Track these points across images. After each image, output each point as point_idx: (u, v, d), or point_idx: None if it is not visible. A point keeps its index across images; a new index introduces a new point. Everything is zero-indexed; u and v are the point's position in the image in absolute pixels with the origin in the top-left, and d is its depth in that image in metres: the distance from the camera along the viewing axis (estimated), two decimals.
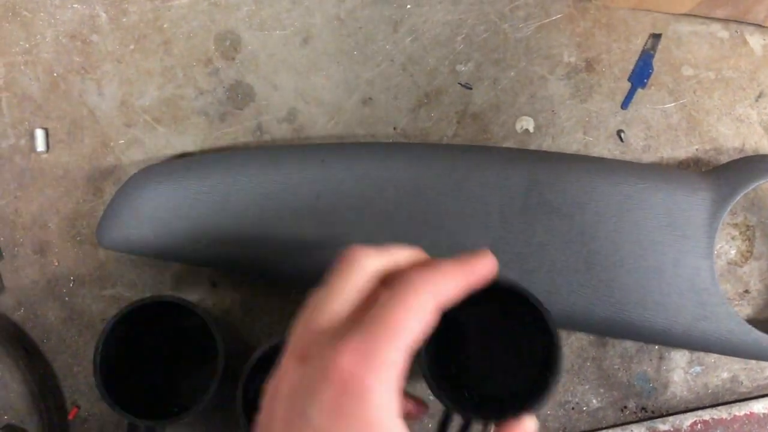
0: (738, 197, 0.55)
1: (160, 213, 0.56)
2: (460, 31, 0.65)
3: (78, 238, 0.61)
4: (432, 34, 0.65)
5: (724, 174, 0.58)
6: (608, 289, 0.54)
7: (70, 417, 0.58)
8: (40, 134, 0.62)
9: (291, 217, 0.56)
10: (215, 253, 0.56)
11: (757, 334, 0.54)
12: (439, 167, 0.56)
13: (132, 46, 0.64)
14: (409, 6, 0.65)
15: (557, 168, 0.56)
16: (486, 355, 0.53)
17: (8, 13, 0.64)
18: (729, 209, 0.55)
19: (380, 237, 0.55)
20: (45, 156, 0.63)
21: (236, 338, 0.59)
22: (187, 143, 0.63)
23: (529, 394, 0.45)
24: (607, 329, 0.56)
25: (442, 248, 0.55)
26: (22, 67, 0.64)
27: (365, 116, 0.64)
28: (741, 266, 0.62)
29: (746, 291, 0.61)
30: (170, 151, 0.63)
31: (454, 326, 0.54)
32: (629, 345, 0.60)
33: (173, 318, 0.57)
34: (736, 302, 0.61)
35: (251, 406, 0.47)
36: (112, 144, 0.63)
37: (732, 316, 0.54)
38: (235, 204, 0.56)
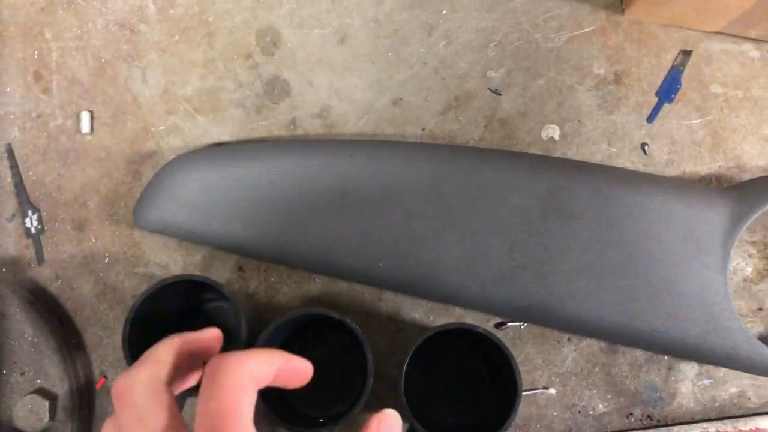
0: (756, 215, 0.56)
1: (194, 197, 0.59)
2: (493, 38, 0.67)
3: (115, 218, 0.64)
4: (465, 39, 0.67)
5: (743, 191, 0.58)
6: (621, 297, 0.55)
7: (97, 386, 0.61)
8: (85, 116, 0.65)
9: (318, 208, 0.58)
10: (244, 239, 0.58)
11: (765, 351, 0.54)
12: (463, 169, 0.58)
13: (177, 37, 0.67)
14: (444, 11, 0.67)
15: (578, 176, 0.58)
16: (459, 392, 0.60)
17: (63, 0, 0.68)
18: (746, 226, 0.56)
19: (402, 233, 0.57)
20: (89, 137, 0.66)
21: (260, 321, 0.61)
22: (224, 133, 0.66)
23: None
24: (618, 336, 0.57)
25: (462, 248, 0.57)
26: (73, 52, 0.67)
27: (395, 116, 0.66)
28: (756, 284, 0.63)
29: (760, 308, 0.62)
30: (207, 140, 0.65)
31: (432, 367, 0.58)
32: (639, 354, 0.61)
33: (201, 298, 0.59)
34: (749, 319, 0.62)
35: None
36: (152, 130, 0.66)
37: (742, 331, 0.55)
38: (265, 193, 0.58)
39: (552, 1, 0.68)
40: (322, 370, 0.59)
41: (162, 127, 0.66)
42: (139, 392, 0.33)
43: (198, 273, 0.63)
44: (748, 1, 0.60)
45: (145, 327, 0.53)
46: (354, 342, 0.52)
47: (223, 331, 0.39)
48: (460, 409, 0.60)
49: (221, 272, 0.63)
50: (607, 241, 0.56)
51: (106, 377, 0.62)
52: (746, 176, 0.64)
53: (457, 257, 0.57)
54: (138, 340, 0.52)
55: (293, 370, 0.37)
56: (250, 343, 0.53)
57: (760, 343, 0.54)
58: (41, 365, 0.57)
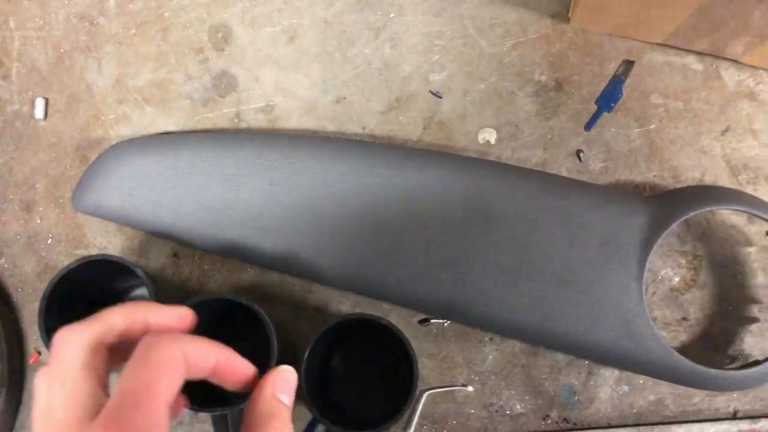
0: (674, 224, 0.56)
1: (129, 183, 0.61)
2: (438, 43, 0.68)
3: (61, 200, 0.67)
4: (411, 42, 0.68)
5: (665, 200, 0.59)
6: (537, 299, 0.56)
7: (31, 361, 0.63)
8: (40, 103, 0.68)
9: (246, 199, 0.59)
10: (173, 226, 0.60)
11: (678, 357, 0.54)
12: (389, 167, 0.59)
13: (133, 31, 0.70)
14: (392, 15, 0.69)
15: (501, 178, 0.59)
16: (375, 384, 0.62)
17: None
18: (665, 234, 0.56)
19: (326, 225, 0.59)
20: (42, 123, 0.68)
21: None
22: (170, 124, 0.68)
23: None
24: (534, 337, 0.58)
25: (382, 242, 0.58)
26: (35, 42, 0.70)
27: (337, 114, 0.67)
28: (683, 294, 0.63)
29: (684, 318, 0.62)
30: (154, 130, 0.68)
31: (335, 359, 0.59)
32: (560, 357, 0.61)
33: (129, 284, 0.61)
34: (673, 328, 0.62)
35: None
36: (103, 118, 0.68)
37: (655, 338, 0.55)
38: (196, 182, 0.60)
39: (499, 8, 0.69)
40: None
41: (112, 116, 0.68)
42: (71, 349, 0.32)
43: (133, 258, 0.65)
44: (682, 13, 0.61)
45: (68, 306, 0.55)
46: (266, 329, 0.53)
47: None
48: (373, 400, 0.60)
49: (157, 258, 0.65)
50: (525, 244, 0.57)
51: (39, 353, 0.64)
52: (680, 187, 0.65)
53: (377, 251, 0.58)
54: (56, 319, 0.54)
55: (233, 369, 0.36)
56: None
57: (673, 350, 0.55)
58: None
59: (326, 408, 0.60)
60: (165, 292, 0.63)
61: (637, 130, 0.66)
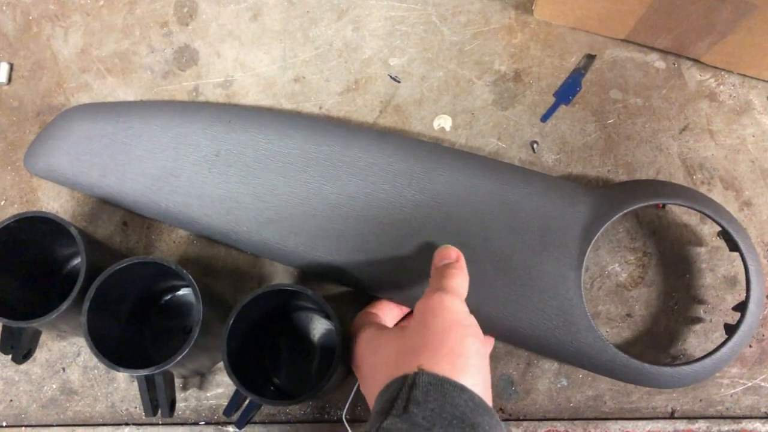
0: (616, 216, 0.55)
1: (78, 147, 0.61)
2: (400, 28, 0.68)
3: (17, 164, 0.67)
4: (373, 26, 0.69)
5: (610, 193, 0.58)
6: (473, 284, 0.55)
7: None
8: (4, 67, 0.69)
9: (191, 168, 0.60)
10: (120, 192, 0.60)
11: (614, 351, 0.54)
12: (336, 143, 0.59)
13: (101, 2, 0.70)
14: None
15: (445, 161, 0.58)
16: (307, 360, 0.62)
17: None
18: (606, 226, 0.56)
19: (268, 200, 0.59)
20: (5, 87, 0.69)
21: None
22: (130, 94, 0.68)
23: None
24: None
25: (323, 219, 0.57)
26: (4, 8, 0.71)
27: (295, 93, 0.67)
28: (629, 290, 0.62)
29: (629, 314, 0.61)
30: (113, 99, 0.68)
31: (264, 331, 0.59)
32: (500, 346, 0.61)
33: (65, 245, 0.61)
34: (617, 324, 0.61)
35: None
36: (65, 85, 0.69)
37: (591, 330, 0.54)
38: (144, 148, 0.60)
39: None
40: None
41: (74, 84, 0.69)
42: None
43: (83, 224, 0.65)
44: (640, 6, 0.61)
45: (7, 264, 0.56)
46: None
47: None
48: (311, 376, 0.60)
49: (106, 225, 0.65)
50: (462, 227, 0.56)
51: None
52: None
53: (319, 226, 0.57)
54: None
55: None
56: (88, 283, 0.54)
57: (609, 344, 0.54)
58: None
59: (260, 381, 0.60)
60: (113, 258, 0.63)
61: (594, 124, 0.65)
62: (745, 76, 0.66)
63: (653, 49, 0.67)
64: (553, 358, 0.59)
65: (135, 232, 0.65)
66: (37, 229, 0.56)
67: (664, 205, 0.63)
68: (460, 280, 0.48)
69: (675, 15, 0.61)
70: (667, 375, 0.54)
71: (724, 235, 0.56)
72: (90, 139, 0.61)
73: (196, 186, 0.59)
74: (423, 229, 0.56)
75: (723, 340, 0.54)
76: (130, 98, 0.68)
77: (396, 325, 0.58)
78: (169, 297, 0.63)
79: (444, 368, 0.41)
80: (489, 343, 0.58)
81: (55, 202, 0.66)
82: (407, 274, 0.56)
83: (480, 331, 0.45)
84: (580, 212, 0.56)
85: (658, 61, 0.67)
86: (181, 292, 0.63)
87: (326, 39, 0.69)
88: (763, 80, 0.66)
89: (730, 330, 0.54)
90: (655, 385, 0.55)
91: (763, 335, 0.61)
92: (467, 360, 0.42)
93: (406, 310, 0.58)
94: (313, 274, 0.61)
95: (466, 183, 0.57)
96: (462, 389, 0.40)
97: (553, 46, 0.68)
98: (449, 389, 0.40)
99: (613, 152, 0.65)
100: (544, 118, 0.66)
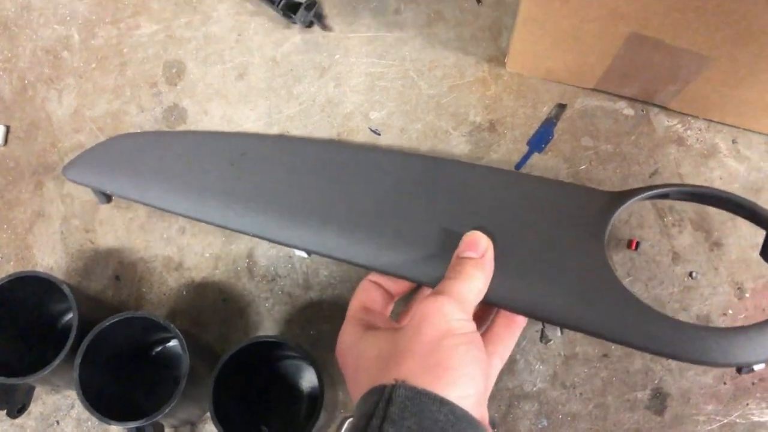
0: (635, 199, 0.53)
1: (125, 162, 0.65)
2: (379, 83, 0.72)
3: (14, 222, 0.70)
4: (354, 82, 0.72)
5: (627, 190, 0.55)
6: (499, 266, 0.51)
7: None
8: (1, 130, 0.72)
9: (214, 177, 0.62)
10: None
11: (647, 308, 0.47)
12: (346, 156, 0.61)
13: (94, 65, 0.74)
14: (337, 56, 0.72)
15: (464, 171, 0.58)
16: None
17: (1, 26, 0.75)
18: (627, 205, 0.53)
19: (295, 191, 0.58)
20: (2, 149, 0.72)
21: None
22: None
23: None
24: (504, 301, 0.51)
25: (343, 210, 0.57)
26: (1, 73, 0.74)
27: None
28: None
29: (605, 355, 0.63)
30: None
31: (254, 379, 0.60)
32: None
33: (58, 301, 0.63)
34: (594, 364, 0.63)
35: None
36: (59, 145, 0.72)
37: (630, 299, 0.48)
38: (173, 167, 0.63)
39: (439, 51, 0.72)
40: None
41: (67, 144, 0.72)
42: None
43: (77, 279, 0.67)
44: (605, 59, 0.64)
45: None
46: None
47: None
48: (295, 422, 0.62)
49: (99, 279, 0.68)
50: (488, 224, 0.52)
51: None
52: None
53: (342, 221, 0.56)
54: None
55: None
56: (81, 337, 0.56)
57: (643, 302, 0.47)
58: None
59: (250, 429, 0.61)
60: (105, 312, 0.66)
61: (567, 170, 0.68)
62: (710, 121, 0.69)
63: (621, 97, 0.70)
64: (584, 331, 0.51)
65: (126, 285, 0.68)
66: (30, 287, 0.58)
67: (637, 246, 0.66)
68: (473, 284, 0.45)
69: (639, 66, 0.64)
70: (715, 341, 0.44)
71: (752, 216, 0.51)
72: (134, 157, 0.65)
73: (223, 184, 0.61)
74: (436, 221, 0.54)
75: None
76: None
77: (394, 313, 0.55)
78: (159, 349, 0.65)
79: (428, 380, 0.39)
80: (516, 325, 0.50)
81: (49, 258, 0.69)
82: (426, 254, 0.52)
83: (479, 338, 0.43)
84: (599, 199, 0.54)
85: (626, 109, 0.70)
86: (171, 343, 0.65)
87: (309, 95, 0.72)
88: (728, 125, 0.69)
89: None
90: (697, 358, 0.45)
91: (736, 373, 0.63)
92: (456, 371, 0.40)
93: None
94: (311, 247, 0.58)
95: (483, 188, 0.56)
96: (442, 402, 0.38)
97: (526, 96, 0.71)
98: (427, 403, 0.38)
99: None
100: (518, 166, 0.68)
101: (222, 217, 0.59)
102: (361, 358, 0.44)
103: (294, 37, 0.73)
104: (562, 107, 0.70)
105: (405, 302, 0.54)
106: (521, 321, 0.50)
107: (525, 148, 0.69)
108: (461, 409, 0.39)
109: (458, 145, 0.69)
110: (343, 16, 0.74)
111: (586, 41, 0.61)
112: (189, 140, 0.66)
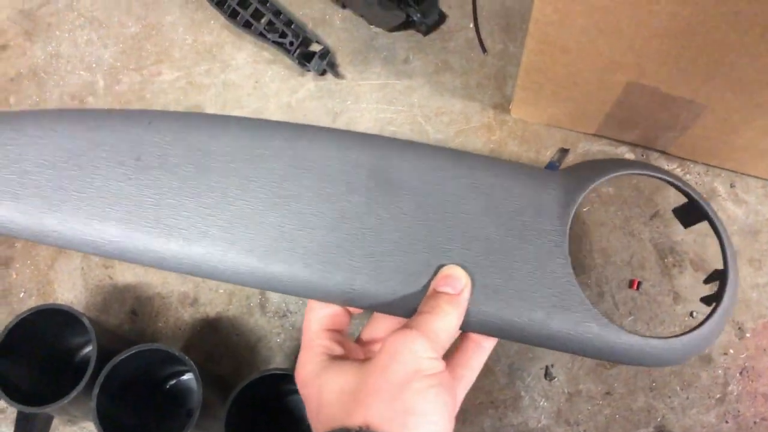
0: (586, 191, 0.52)
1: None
2: (389, 128, 0.75)
3: (36, 258, 0.73)
4: (364, 126, 0.75)
5: (574, 171, 0.55)
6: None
7: None
8: None
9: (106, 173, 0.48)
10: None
11: (615, 329, 0.47)
12: (279, 141, 0.51)
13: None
14: (349, 102, 0.76)
15: (411, 151, 0.53)
16: None
17: (31, 73, 0.80)
18: (580, 200, 0.52)
19: (209, 201, 0.48)
20: None
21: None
22: None
23: None
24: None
25: (280, 218, 0.48)
26: None
27: None
28: (608, 368, 0.65)
29: (608, 393, 0.65)
30: None
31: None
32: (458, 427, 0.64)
33: (77, 334, 0.66)
34: (597, 401, 0.64)
35: None
36: None
37: (585, 305, 0.48)
38: (46, 155, 0.50)
39: (446, 99, 0.75)
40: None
41: None
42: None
43: (95, 313, 0.70)
44: (605, 107, 0.67)
45: (23, 357, 0.60)
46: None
47: None
48: None
49: (117, 314, 0.70)
50: (436, 214, 0.50)
51: None
52: (611, 268, 0.68)
53: (273, 224, 0.48)
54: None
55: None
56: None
57: (606, 320, 0.48)
58: None
59: None
60: (122, 345, 0.68)
61: None
62: (708, 165, 0.72)
63: (623, 142, 0.73)
64: (550, 346, 0.51)
65: (143, 320, 0.70)
66: (52, 320, 0.60)
67: (639, 286, 0.67)
68: (446, 323, 0.43)
69: (638, 112, 0.67)
70: (658, 347, 0.48)
71: (689, 206, 0.54)
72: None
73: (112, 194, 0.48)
74: (394, 221, 0.49)
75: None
76: None
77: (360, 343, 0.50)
78: (173, 382, 0.67)
79: (394, 426, 0.37)
80: (483, 350, 0.49)
81: (69, 293, 0.71)
82: (384, 278, 0.47)
83: (448, 378, 0.41)
84: (553, 190, 0.53)
85: (627, 153, 0.73)
86: (185, 377, 0.67)
87: None
88: (726, 169, 0.71)
89: (713, 299, 0.51)
90: (643, 361, 0.49)
91: (739, 411, 0.64)
92: (423, 418, 0.38)
93: None
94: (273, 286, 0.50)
95: (434, 173, 0.52)
96: None
97: (530, 141, 0.73)
98: None
99: (589, 238, 0.69)
100: None
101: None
102: (323, 392, 0.42)
103: (308, 83, 0.77)
104: (564, 152, 0.73)
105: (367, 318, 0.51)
106: (490, 344, 0.48)
107: None
108: None
109: None
110: (354, 64, 0.78)
111: (586, 89, 0.64)
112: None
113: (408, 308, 0.46)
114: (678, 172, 0.71)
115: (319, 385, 0.42)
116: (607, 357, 0.49)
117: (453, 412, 0.41)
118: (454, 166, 0.52)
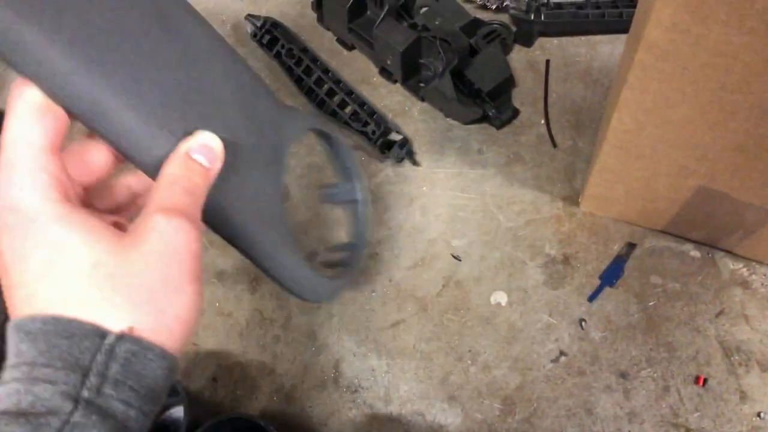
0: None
1: None
2: (461, 214, 0.79)
3: None
4: (438, 212, 0.79)
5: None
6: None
7: None
8: None
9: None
10: None
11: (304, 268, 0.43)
12: None
13: None
14: (424, 188, 0.81)
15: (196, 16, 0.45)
16: None
17: None
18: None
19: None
20: None
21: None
22: None
23: None
24: None
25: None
26: None
27: (368, 267, 0.77)
28: None
29: None
30: None
31: None
32: None
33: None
34: None
35: None
36: None
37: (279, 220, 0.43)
38: None
39: (517, 189, 0.80)
40: None
41: None
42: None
43: (177, 377, 0.74)
44: (673, 207, 0.70)
45: None
46: None
47: None
48: None
49: (198, 380, 0.74)
50: (206, 87, 0.42)
51: None
52: (675, 363, 0.70)
53: None
54: None
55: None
56: None
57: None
58: None
59: None
60: (201, 410, 0.71)
61: (636, 305, 0.73)
62: None
63: (688, 240, 0.76)
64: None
65: (223, 387, 0.74)
66: None
67: (705, 383, 0.69)
68: (197, 196, 0.33)
69: (706, 214, 0.69)
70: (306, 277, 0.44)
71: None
72: None
73: None
74: (173, 56, 0.40)
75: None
76: None
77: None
78: None
79: (157, 329, 0.31)
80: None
81: None
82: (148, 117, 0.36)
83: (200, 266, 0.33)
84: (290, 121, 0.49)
85: (693, 251, 0.75)
86: None
87: (397, 222, 0.79)
88: None
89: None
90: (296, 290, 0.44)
91: None
92: (188, 315, 0.32)
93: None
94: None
95: (211, 39, 0.44)
96: (164, 357, 0.31)
97: (598, 234, 0.77)
98: (152, 360, 0.30)
99: (655, 332, 0.71)
100: (591, 298, 0.73)
101: None
102: (60, 252, 0.30)
103: (387, 169, 0.82)
104: (632, 246, 0.76)
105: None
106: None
107: (597, 282, 0.74)
108: (176, 362, 0.32)
109: (534, 275, 0.75)
110: (430, 153, 0.83)
111: (656, 191, 0.67)
112: None
113: (148, 155, 0.35)
114: (744, 272, 0.73)
115: (53, 237, 0.30)
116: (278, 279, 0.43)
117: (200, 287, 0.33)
118: (226, 50, 0.45)
